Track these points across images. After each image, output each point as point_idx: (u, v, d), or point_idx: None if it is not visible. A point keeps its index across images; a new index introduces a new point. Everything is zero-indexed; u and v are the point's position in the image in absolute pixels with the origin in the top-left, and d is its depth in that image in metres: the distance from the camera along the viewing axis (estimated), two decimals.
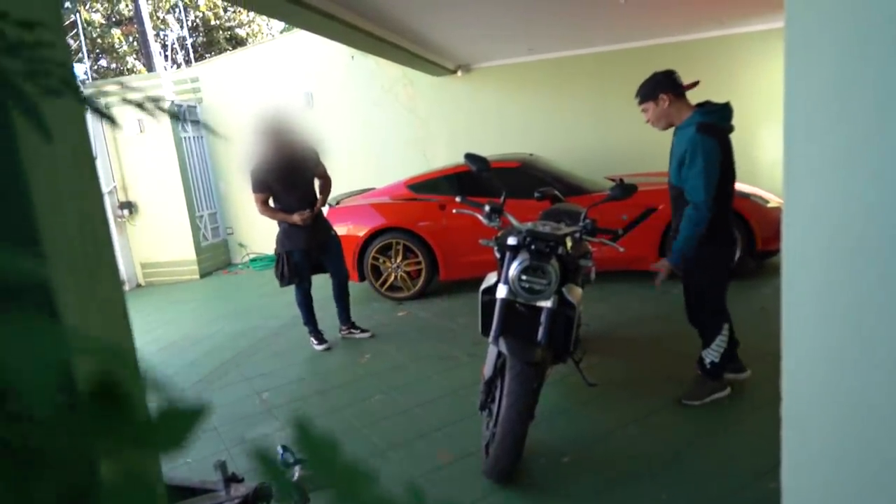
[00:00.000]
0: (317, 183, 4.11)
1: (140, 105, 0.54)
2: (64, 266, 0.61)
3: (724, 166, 2.66)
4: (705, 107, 2.74)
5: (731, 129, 2.75)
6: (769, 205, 4.79)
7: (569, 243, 2.55)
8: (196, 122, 8.03)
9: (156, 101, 0.54)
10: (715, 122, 2.68)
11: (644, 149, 6.84)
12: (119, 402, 0.27)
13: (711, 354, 2.90)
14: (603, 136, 7.01)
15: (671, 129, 2.83)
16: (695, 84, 2.83)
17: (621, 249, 2.76)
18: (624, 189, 2.69)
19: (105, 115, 0.51)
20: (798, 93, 0.98)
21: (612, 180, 4.74)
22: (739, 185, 4.99)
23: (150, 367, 0.31)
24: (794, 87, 0.98)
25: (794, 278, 1.04)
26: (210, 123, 8.00)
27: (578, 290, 2.55)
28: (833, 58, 0.91)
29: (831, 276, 0.99)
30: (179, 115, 7.47)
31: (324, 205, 4.15)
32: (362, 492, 0.28)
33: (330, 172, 4.17)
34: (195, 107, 8.10)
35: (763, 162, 6.48)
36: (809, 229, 1.01)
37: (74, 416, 0.26)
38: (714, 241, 2.71)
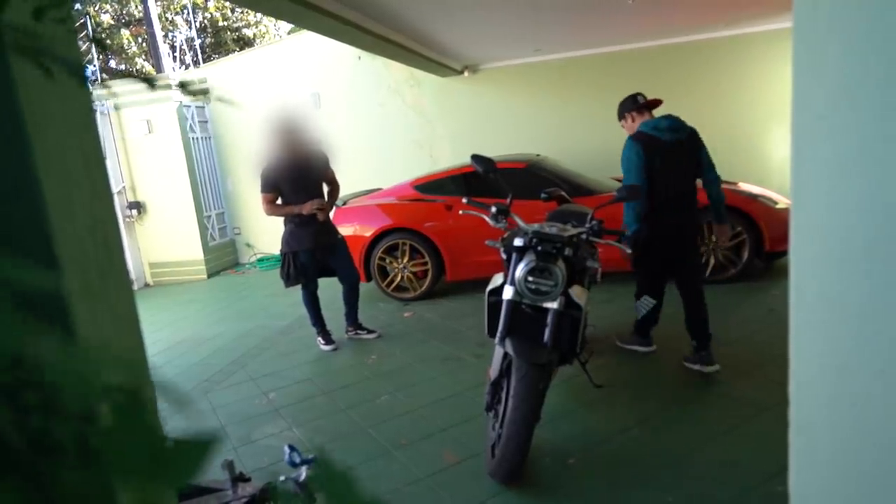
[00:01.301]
0: (325, 188, 4.13)
1: (149, 82, 0.54)
2: (75, 270, 0.61)
3: (650, 168, 3.18)
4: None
5: (669, 137, 3.21)
6: (778, 206, 4.76)
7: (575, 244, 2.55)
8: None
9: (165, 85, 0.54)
10: (646, 132, 3.24)
11: None
12: (139, 427, 0.28)
13: (637, 310, 3.52)
14: (610, 137, 6.97)
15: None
16: (658, 102, 3.38)
17: (628, 251, 2.75)
18: (630, 190, 2.69)
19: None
20: (806, 95, 0.97)
21: (619, 181, 4.73)
22: (748, 187, 5.02)
23: (166, 380, 0.31)
24: (801, 89, 0.98)
25: (802, 282, 1.04)
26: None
27: (585, 292, 2.54)
28: (842, 60, 0.91)
29: (839, 279, 0.98)
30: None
31: (331, 209, 4.16)
32: None
33: (337, 173, 4.19)
34: (203, 108, 8.15)
35: (773, 162, 6.44)
36: (817, 233, 1.01)
37: (95, 439, 0.27)
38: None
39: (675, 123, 3.24)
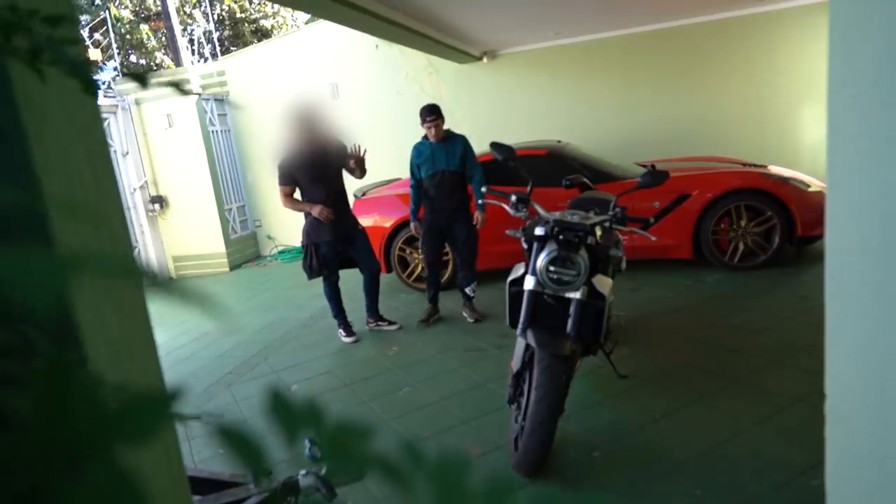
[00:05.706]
0: (346, 174, 4.10)
1: (176, 86, 0.51)
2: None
3: None
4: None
5: None
6: (810, 189, 4.62)
7: (598, 232, 2.50)
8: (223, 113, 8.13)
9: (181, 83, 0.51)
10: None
11: (675, 133, 6.67)
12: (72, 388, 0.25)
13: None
14: (633, 121, 6.86)
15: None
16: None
17: (653, 238, 2.69)
18: (655, 176, 2.62)
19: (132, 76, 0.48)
20: (843, 71, 0.91)
21: (643, 166, 4.63)
22: (779, 169, 4.88)
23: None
24: (838, 65, 0.92)
25: (839, 269, 0.99)
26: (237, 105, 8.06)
27: (608, 281, 2.49)
28: (886, 32, 0.85)
29: (880, 266, 0.93)
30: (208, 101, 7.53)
31: (363, 173, 4.04)
32: (354, 449, 0.26)
33: None
34: (222, 101, 8.20)
35: (804, 144, 6.25)
36: (855, 217, 0.95)
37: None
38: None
39: None
